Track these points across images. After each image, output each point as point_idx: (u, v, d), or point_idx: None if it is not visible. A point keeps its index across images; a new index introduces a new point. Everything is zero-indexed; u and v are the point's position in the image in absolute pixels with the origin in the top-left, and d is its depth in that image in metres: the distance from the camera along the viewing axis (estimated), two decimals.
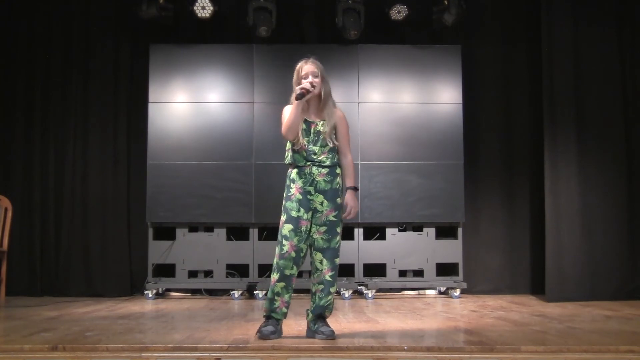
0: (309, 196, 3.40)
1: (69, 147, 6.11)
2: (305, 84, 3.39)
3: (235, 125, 5.97)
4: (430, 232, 5.96)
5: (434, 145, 5.98)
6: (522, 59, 6.32)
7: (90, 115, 6.14)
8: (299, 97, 3.35)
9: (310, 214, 3.40)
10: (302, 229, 3.36)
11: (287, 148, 3.50)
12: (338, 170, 3.47)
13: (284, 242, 3.36)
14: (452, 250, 5.94)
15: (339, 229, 3.43)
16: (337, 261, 3.42)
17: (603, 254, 5.55)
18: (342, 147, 3.49)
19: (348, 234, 5.93)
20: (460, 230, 5.97)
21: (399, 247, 5.93)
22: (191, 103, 6.02)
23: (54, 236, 6.02)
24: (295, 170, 3.44)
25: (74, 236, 6.00)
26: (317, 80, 3.43)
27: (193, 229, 5.93)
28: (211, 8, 5.90)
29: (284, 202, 3.44)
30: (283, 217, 3.42)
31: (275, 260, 3.38)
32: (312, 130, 3.44)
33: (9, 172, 6.09)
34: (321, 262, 3.40)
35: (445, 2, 5.92)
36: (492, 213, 6.22)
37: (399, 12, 6.05)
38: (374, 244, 5.97)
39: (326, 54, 6.04)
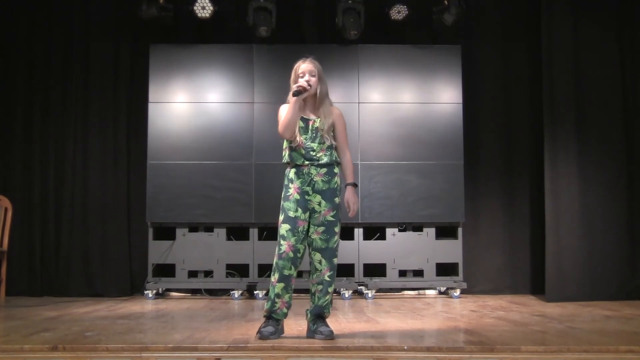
0: (306, 196, 3.40)
1: (69, 147, 6.11)
2: (302, 82, 3.40)
3: (235, 125, 5.97)
4: (430, 232, 5.96)
5: (434, 145, 5.97)
6: (522, 59, 6.32)
7: (90, 115, 6.14)
8: (296, 94, 3.35)
9: (307, 214, 3.40)
10: (299, 229, 3.37)
11: (284, 147, 3.50)
12: (336, 169, 3.47)
13: (282, 242, 3.36)
14: (452, 250, 5.94)
15: (337, 229, 3.42)
16: (336, 261, 3.42)
17: (603, 254, 5.55)
18: (340, 145, 3.49)
19: (348, 234, 5.93)
20: (460, 230, 5.97)
21: (399, 247, 5.93)
22: (191, 103, 6.02)
23: (54, 236, 6.02)
24: (293, 170, 3.44)
25: (74, 236, 6.00)
26: (313, 79, 3.43)
27: (193, 229, 5.93)
28: (211, 8, 5.90)
29: (282, 202, 3.45)
30: (281, 217, 3.42)
31: (275, 260, 3.38)
32: (310, 127, 3.44)
33: (9, 172, 6.09)
34: (320, 262, 3.40)
35: (445, 2, 5.92)
36: (492, 213, 6.22)
37: (399, 12, 6.06)
38: (374, 244, 5.96)
39: (326, 54, 6.05)
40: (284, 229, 3.38)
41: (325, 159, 3.42)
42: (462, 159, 5.97)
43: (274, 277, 3.38)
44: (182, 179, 5.87)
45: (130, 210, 6.13)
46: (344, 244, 5.89)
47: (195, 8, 5.89)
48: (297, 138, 3.41)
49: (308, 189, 3.41)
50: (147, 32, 6.16)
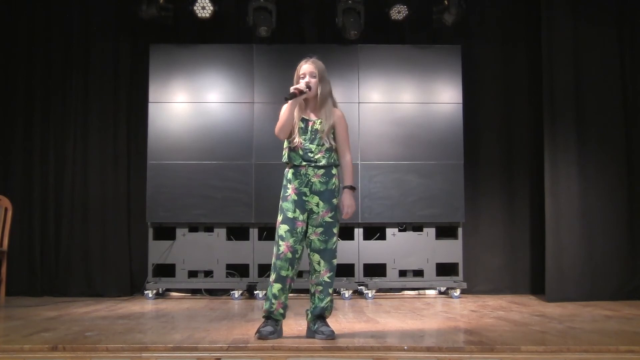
0: (304, 197, 3.40)
1: (69, 147, 6.11)
2: (300, 84, 3.39)
3: (235, 125, 5.98)
4: (430, 232, 5.96)
5: (434, 145, 5.98)
6: (522, 59, 6.32)
7: (90, 115, 6.14)
8: (290, 98, 3.34)
9: (305, 215, 3.39)
10: (297, 229, 3.36)
11: (284, 146, 3.50)
12: (334, 171, 3.45)
13: (280, 242, 3.36)
14: (452, 250, 5.94)
15: (335, 230, 3.42)
16: (335, 262, 3.42)
17: (603, 254, 5.55)
18: (341, 147, 3.46)
19: (348, 234, 5.93)
20: (460, 230, 5.97)
21: (399, 247, 5.93)
22: (191, 103, 6.02)
23: (54, 236, 6.02)
24: (291, 171, 3.44)
25: (74, 236, 6.00)
26: (313, 80, 3.41)
27: (193, 229, 5.93)
28: (211, 8, 5.91)
29: (280, 202, 3.44)
30: (280, 218, 3.42)
31: (273, 260, 3.39)
32: (310, 128, 3.43)
33: (9, 172, 6.09)
34: (319, 264, 3.40)
35: (445, 2, 5.92)
36: (492, 213, 6.22)
37: (399, 12, 6.06)
38: (374, 244, 5.96)
39: (326, 54, 5.99)
40: (282, 229, 3.37)
41: (323, 161, 3.39)
42: (462, 159, 5.97)
43: (272, 277, 3.39)
44: (182, 179, 5.88)
45: (130, 210, 6.14)
46: (344, 244, 5.89)
47: (195, 8, 5.89)
48: (296, 139, 3.40)
49: (306, 189, 3.40)
50: (147, 32, 6.16)
